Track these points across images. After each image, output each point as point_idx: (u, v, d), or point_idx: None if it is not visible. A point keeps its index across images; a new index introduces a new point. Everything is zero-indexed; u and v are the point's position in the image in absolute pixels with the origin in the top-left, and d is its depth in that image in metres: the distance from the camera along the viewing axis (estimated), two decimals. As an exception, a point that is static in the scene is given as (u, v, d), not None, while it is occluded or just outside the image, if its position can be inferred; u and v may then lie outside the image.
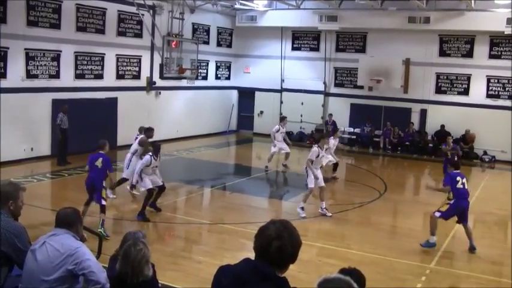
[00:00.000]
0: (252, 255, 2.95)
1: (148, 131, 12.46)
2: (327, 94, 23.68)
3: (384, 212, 13.13)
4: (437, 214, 9.68)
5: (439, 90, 21.67)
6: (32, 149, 16.15)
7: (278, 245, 2.82)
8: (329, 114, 22.64)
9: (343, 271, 3.81)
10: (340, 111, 23.17)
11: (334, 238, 10.48)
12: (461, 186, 9.65)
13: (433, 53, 21.49)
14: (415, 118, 22.09)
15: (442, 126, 21.03)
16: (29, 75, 15.88)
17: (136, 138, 12.60)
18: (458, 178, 9.71)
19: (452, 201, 9.90)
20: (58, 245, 4.09)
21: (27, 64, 15.76)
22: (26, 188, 4.88)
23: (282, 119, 17.81)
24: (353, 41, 23.09)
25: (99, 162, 9.59)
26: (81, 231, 4.40)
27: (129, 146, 13.59)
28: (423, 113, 22.00)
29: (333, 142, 15.47)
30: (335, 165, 15.72)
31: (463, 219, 9.66)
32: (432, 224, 9.68)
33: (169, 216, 11.42)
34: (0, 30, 14.57)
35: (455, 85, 21.40)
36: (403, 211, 13.26)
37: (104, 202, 9.45)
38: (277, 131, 16.81)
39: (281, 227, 2.88)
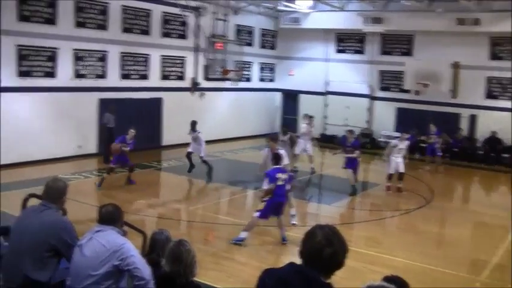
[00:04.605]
0: (295, 258, 2.88)
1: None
2: (372, 98, 23.30)
3: (430, 219, 12.71)
4: (257, 214, 9.49)
5: (490, 95, 20.93)
6: (79, 147, 16.53)
7: (330, 251, 2.77)
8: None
9: (386, 279, 3.71)
10: (386, 115, 22.75)
11: (379, 245, 10.24)
12: (282, 183, 9.41)
13: (483, 56, 20.73)
14: (464, 124, 21.41)
15: (493, 132, 20.21)
16: (77, 75, 16.28)
17: None
18: (279, 175, 9.38)
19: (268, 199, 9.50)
20: (104, 240, 4.18)
21: (75, 64, 16.16)
22: (69, 185, 5.05)
23: (310, 117, 17.54)
24: (399, 43, 22.62)
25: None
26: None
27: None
28: (473, 119, 21.30)
29: None
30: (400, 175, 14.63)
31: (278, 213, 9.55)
32: (250, 223, 9.56)
33: (212, 216, 11.45)
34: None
35: (508, 90, 20.60)
36: (450, 220, 12.83)
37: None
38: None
39: (330, 233, 2.84)
